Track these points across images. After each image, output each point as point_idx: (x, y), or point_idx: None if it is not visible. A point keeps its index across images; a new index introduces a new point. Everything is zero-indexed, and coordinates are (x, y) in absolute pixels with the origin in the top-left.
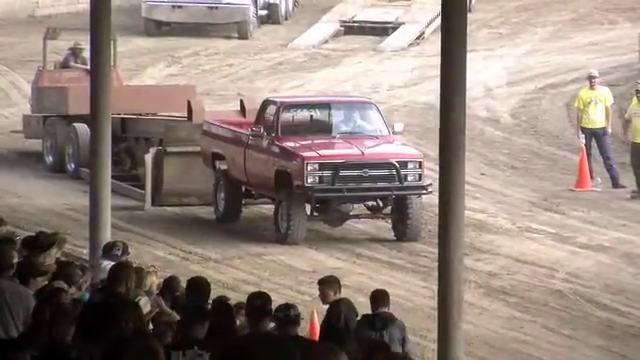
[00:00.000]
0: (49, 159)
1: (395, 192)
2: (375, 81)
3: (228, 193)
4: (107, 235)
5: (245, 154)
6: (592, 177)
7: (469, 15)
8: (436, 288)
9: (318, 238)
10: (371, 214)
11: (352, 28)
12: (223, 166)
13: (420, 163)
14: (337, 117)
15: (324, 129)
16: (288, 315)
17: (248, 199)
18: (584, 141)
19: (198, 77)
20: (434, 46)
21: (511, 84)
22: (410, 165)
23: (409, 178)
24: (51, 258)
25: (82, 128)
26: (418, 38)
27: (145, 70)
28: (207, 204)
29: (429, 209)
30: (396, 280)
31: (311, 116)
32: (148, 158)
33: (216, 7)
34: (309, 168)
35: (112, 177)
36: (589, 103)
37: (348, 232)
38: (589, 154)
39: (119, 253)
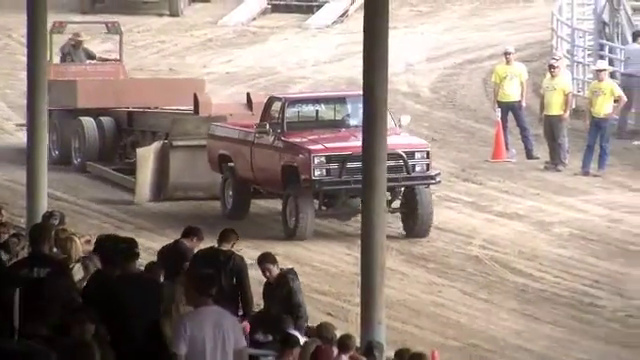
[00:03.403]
0: (55, 153)
1: (403, 182)
2: (301, 57)
3: (236, 191)
4: (44, 204)
5: (252, 152)
6: (507, 149)
7: None
8: (359, 255)
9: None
10: None
11: (279, 6)
12: (229, 164)
13: (428, 153)
14: (342, 111)
15: (330, 123)
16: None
17: (256, 196)
18: (500, 114)
19: (131, 53)
20: (357, 23)
21: (431, 60)
22: (417, 155)
23: (417, 168)
24: None
25: (88, 122)
26: (342, 16)
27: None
28: (213, 198)
29: None
30: (322, 247)
31: (316, 111)
32: (140, 152)
33: None
34: (316, 161)
35: (116, 170)
36: (505, 78)
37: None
38: (505, 127)
39: (56, 222)
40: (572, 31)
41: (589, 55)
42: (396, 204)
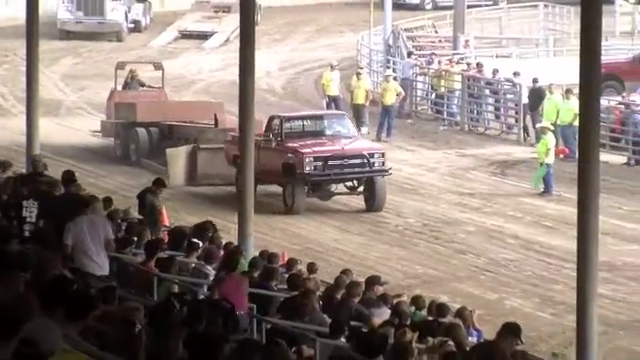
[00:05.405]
0: (118, 152)
1: (366, 174)
2: (200, 67)
3: None
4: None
5: (258, 153)
6: None
7: (256, 27)
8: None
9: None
10: (349, 192)
11: (186, 35)
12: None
13: (383, 154)
14: (321, 125)
15: (313, 133)
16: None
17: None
18: (325, 102)
19: (94, 64)
20: (235, 46)
21: (281, 69)
22: (376, 155)
23: (376, 164)
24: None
25: (142, 131)
26: (226, 41)
27: (59, 61)
28: (228, 184)
29: None
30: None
31: (303, 125)
32: (170, 152)
33: (103, 22)
34: (307, 160)
35: (160, 164)
36: (330, 80)
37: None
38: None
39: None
40: (370, 51)
41: (380, 66)
42: (360, 189)
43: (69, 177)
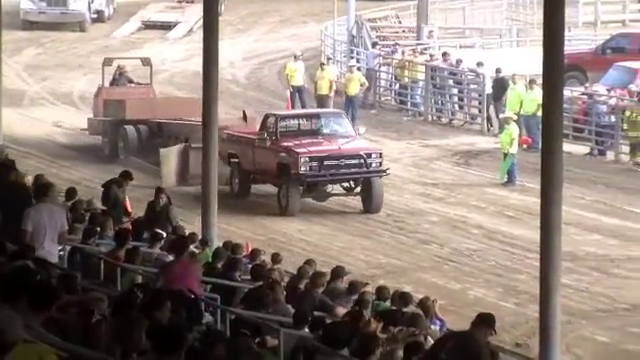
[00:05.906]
0: (106, 150)
1: (363, 175)
2: (163, 57)
3: (240, 179)
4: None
5: (253, 152)
6: None
7: (220, 18)
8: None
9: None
10: (346, 192)
11: (149, 25)
12: (235, 160)
13: (380, 154)
14: (317, 123)
15: (309, 132)
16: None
17: (254, 182)
18: (289, 93)
19: (57, 54)
20: (199, 36)
21: (245, 59)
22: (373, 155)
23: (373, 165)
24: None
25: (130, 129)
26: (189, 31)
27: (22, 51)
28: (220, 184)
29: None
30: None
31: (299, 124)
32: (163, 151)
33: (66, 12)
34: (302, 160)
35: (151, 163)
36: (295, 71)
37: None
38: (293, 101)
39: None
40: (333, 41)
41: (344, 57)
42: (357, 190)
43: (9, 165)
